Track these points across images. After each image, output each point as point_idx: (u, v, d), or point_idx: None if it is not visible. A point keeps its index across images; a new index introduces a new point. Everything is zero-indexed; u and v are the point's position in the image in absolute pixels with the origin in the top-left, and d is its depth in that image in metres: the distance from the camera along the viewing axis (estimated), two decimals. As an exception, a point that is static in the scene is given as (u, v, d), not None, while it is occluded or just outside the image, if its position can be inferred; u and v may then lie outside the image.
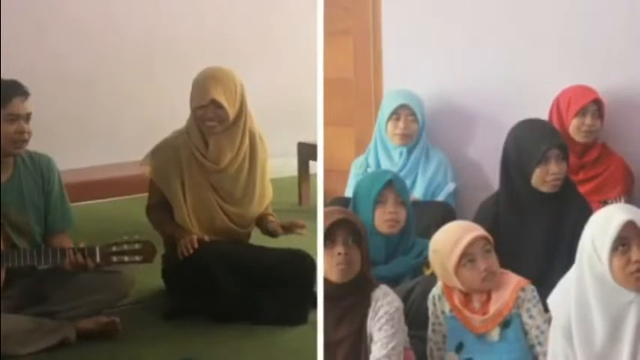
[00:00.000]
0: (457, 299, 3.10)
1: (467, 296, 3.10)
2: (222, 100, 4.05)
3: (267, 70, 6.28)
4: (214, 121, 4.07)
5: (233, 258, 4.03)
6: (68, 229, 3.93)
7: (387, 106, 4.24)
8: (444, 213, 3.94)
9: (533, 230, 3.57)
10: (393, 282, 3.37)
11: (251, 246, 4.24)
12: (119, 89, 6.14)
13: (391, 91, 4.36)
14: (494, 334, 3.05)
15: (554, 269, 3.30)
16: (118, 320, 3.80)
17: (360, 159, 4.34)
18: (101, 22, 6.07)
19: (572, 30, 4.06)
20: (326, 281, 3.01)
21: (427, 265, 3.42)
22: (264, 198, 4.26)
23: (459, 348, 3.09)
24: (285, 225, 4.18)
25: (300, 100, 5.43)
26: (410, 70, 4.36)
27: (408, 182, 4.01)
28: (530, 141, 3.58)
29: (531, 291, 3.07)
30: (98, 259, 3.69)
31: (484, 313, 3.06)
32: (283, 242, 4.23)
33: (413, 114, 4.19)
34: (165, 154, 4.14)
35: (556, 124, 3.93)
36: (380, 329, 2.99)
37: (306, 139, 5.75)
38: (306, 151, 5.79)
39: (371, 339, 3.01)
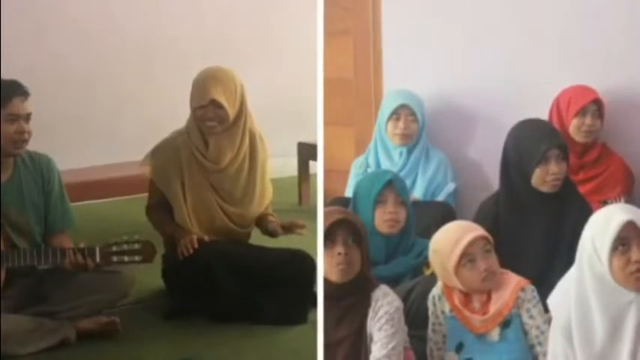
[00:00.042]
0: (457, 299, 3.10)
1: (467, 296, 3.10)
2: (222, 100, 4.05)
3: (267, 70, 6.29)
4: (214, 121, 4.07)
5: (233, 258, 4.03)
6: (68, 229, 3.93)
7: (387, 106, 4.24)
8: (444, 213, 3.94)
9: (533, 230, 3.57)
10: (393, 282, 3.37)
11: (251, 246, 4.24)
12: (119, 89, 6.15)
13: (391, 91, 4.36)
14: (494, 334, 3.06)
15: (554, 269, 3.30)
16: (118, 320, 3.80)
17: (360, 159, 4.34)
18: (101, 22, 6.08)
19: (572, 30, 4.06)
20: (326, 281, 3.01)
21: (427, 265, 3.42)
22: (264, 198, 4.26)
23: (459, 348, 3.09)
24: (285, 225, 4.18)
25: (300, 100, 5.43)
26: (410, 70, 4.36)
27: (408, 182, 4.01)
28: (530, 141, 3.58)
29: (531, 291, 3.07)
30: (98, 259, 3.69)
31: (484, 313, 3.06)
32: (283, 242, 4.23)
33: (413, 114, 4.19)
34: (165, 154, 4.14)
35: (556, 124, 3.93)
36: (380, 329, 2.99)
37: (306, 139, 5.75)
38: (306, 151, 5.79)
39: (371, 339, 3.01)
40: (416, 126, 4.20)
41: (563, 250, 3.42)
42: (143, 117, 6.09)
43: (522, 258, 3.45)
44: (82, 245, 3.70)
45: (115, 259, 3.72)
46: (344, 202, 3.83)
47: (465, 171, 4.29)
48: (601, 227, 2.66)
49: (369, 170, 4.24)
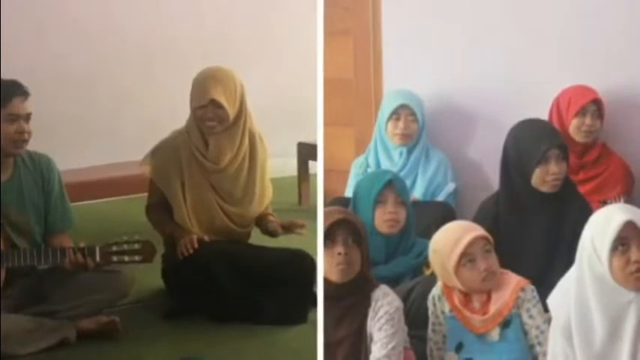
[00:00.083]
0: (457, 299, 3.10)
1: (467, 296, 3.10)
2: (222, 100, 4.05)
3: (267, 70, 6.29)
4: (214, 121, 4.07)
5: (233, 258, 4.03)
6: (68, 229, 3.93)
7: (387, 106, 4.24)
8: (444, 213, 3.94)
9: (533, 230, 3.57)
10: (393, 282, 3.37)
11: (251, 246, 4.24)
12: (119, 89, 6.15)
13: (391, 91, 4.36)
14: (494, 334, 3.05)
15: (554, 269, 3.30)
16: (118, 320, 3.80)
17: (360, 159, 4.34)
18: (101, 22, 6.08)
19: (572, 30, 4.06)
20: (326, 281, 3.01)
21: (427, 265, 3.42)
22: (264, 198, 4.26)
23: (459, 348, 3.09)
24: (285, 225, 4.18)
25: (300, 100, 5.43)
26: (410, 70, 4.36)
27: (408, 182, 4.01)
28: (530, 141, 3.58)
29: (531, 291, 3.07)
30: (98, 259, 3.69)
31: (484, 313, 3.06)
32: (283, 242, 4.23)
33: (413, 114, 4.19)
34: (165, 154, 4.14)
35: (556, 124, 3.93)
36: (380, 329, 2.99)
37: (306, 139, 5.76)
38: (306, 151, 5.79)
39: (371, 339, 3.01)
40: (416, 126, 4.20)
41: (563, 250, 3.42)
42: (143, 117, 6.09)
43: (522, 258, 3.45)
44: (82, 245, 3.70)
45: (115, 258, 3.71)
46: (344, 202, 3.83)
47: (465, 171, 4.29)
48: (601, 227, 2.67)
49: (369, 170, 4.24)
